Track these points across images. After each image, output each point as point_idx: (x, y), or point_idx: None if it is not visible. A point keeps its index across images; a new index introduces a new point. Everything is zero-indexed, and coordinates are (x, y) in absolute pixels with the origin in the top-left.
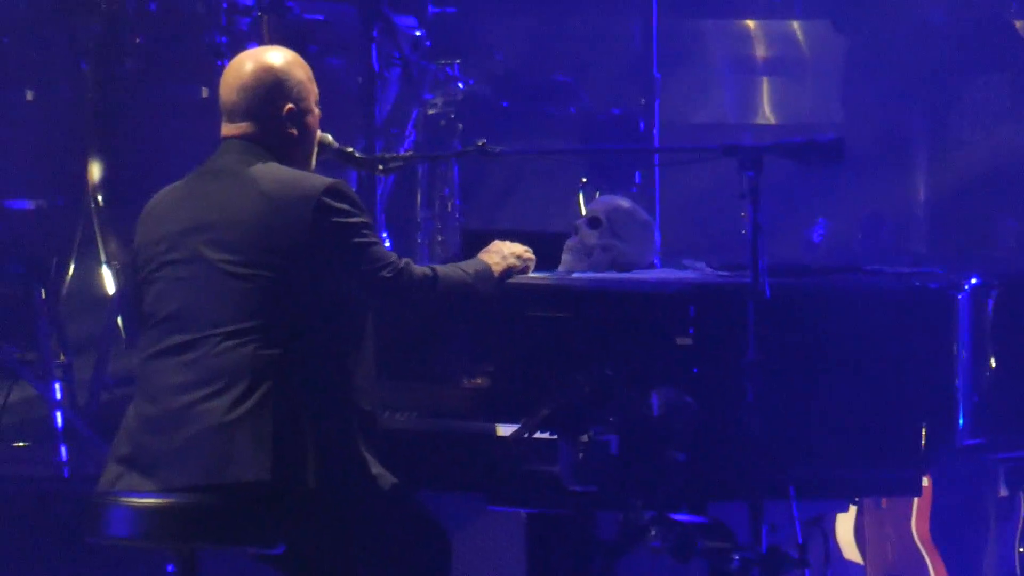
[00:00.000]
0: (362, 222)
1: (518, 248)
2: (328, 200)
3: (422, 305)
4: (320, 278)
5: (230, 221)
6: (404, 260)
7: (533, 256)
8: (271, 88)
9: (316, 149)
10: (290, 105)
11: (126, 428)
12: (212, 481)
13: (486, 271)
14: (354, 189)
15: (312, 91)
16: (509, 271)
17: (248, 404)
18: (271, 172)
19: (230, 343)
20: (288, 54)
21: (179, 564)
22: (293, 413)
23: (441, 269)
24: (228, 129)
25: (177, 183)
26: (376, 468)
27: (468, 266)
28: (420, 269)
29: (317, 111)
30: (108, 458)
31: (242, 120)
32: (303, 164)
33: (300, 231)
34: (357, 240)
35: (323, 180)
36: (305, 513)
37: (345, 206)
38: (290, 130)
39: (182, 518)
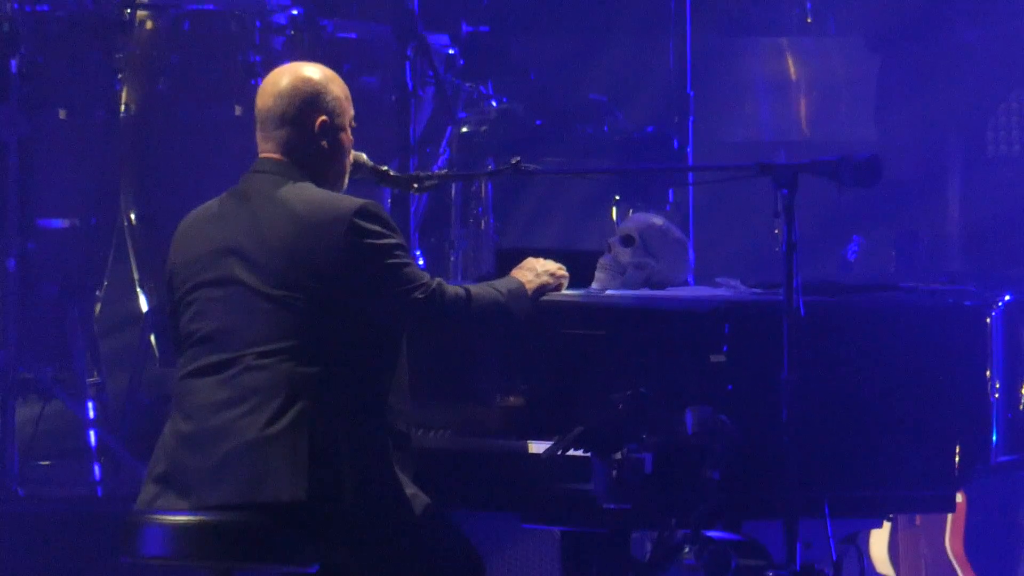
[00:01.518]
0: (395, 243)
1: (551, 266)
2: (360, 222)
3: (456, 325)
4: (354, 299)
5: (263, 243)
6: (436, 280)
7: (566, 273)
8: (306, 98)
9: (349, 169)
10: (324, 118)
11: (163, 446)
12: (247, 499)
13: (519, 289)
14: (388, 207)
15: (347, 110)
16: (543, 289)
17: (283, 422)
18: (303, 193)
19: (266, 361)
20: (327, 71)
21: None
22: (328, 432)
23: (474, 289)
24: (262, 144)
25: (210, 202)
26: (410, 489)
27: (501, 285)
28: (453, 289)
29: (351, 131)
30: (146, 477)
31: (275, 129)
32: (335, 183)
33: (333, 253)
34: (390, 261)
35: (355, 201)
36: (339, 533)
37: (377, 227)
38: (322, 143)
39: (217, 537)
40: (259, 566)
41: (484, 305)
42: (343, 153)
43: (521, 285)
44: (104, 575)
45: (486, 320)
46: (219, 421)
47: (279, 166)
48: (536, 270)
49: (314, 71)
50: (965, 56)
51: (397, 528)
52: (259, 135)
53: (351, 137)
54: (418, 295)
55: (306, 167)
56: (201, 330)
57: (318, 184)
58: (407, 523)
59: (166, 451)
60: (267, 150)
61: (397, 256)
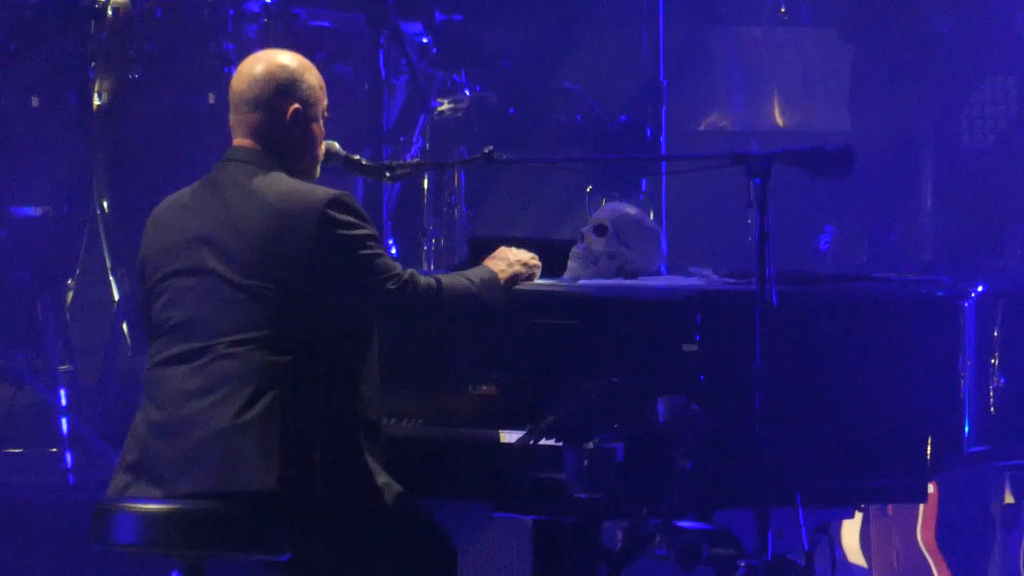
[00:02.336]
0: (367, 234)
1: (524, 255)
2: (332, 212)
3: (428, 316)
4: (326, 289)
5: (235, 234)
6: (409, 271)
7: (539, 263)
8: (280, 85)
9: (321, 159)
10: (297, 105)
11: (134, 435)
12: (218, 488)
13: (492, 279)
14: (360, 196)
15: (321, 100)
16: (516, 278)
17: (254, 411)
18: (275, 183)
19: (237, 350)
20: (302, 60)
21: (185, 571)
22: (299, 422)
23: (446, 279)
24: (235, 129)
25: (183, 191)
26: (382, 478)
27: (474, 274)
28: (425, 279)
29: (323, 121)
30: (117, 466)
31: (248, 112)
32: (307, 173)
33: (305, 244)
34: (362, 252)
35: (327, 192)
36: (311, 522)
37: (349, 218)
38: (294, 131)
39: (188, 525)
40: (230, 554)
41: (456, 295)
42: (315, 143)
43: (494, 274)
44: (76, 563)
45: (458, 310)
46: (190, 410)
47: (251, 154)
48: (509, 259)
49: (290, 59)
50: (938, 46)
51: (368, 517)
52: (232, 119)
53: (323, 128)
54: (390, 285)
55: (278, 155)
56: (172, 319)
57: (290, 173)
58: (378, 512)
59: (137, 440)
60: (239, 135)
61: (369, 247)
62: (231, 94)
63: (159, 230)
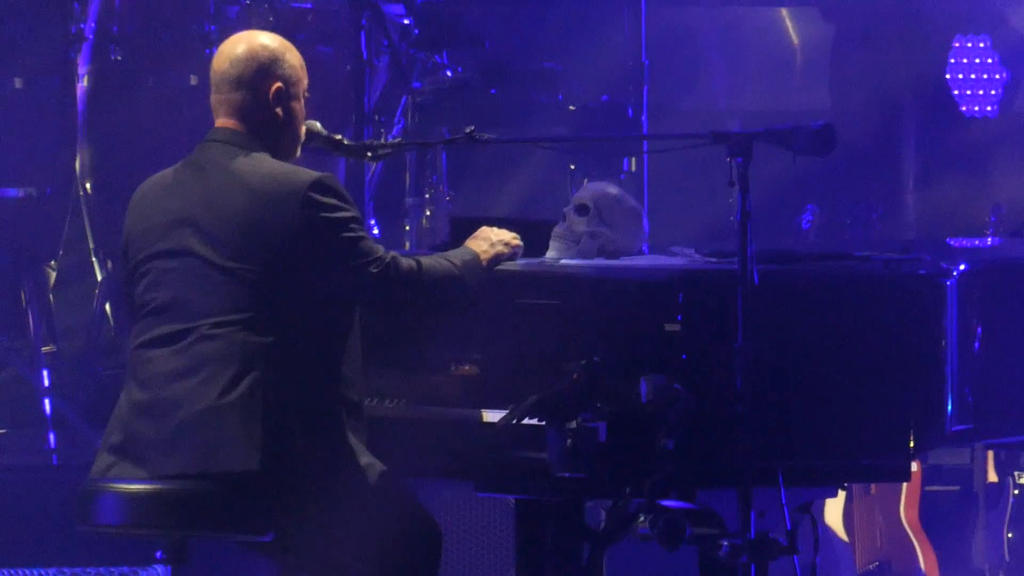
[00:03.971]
0: (350, 216)
1: (505, 235)
2: (315, 195)
3: (410, 298)
4: (308, 271)
5: (217, 215)
6: (391, 254)
7: (521, 243)
8: (262, 64)
9: (302, 139)
10: (279, 84)
11: (118, 416)
12: (201, 469)
13: (474, 260)
14: (343, 177)
15: (302, 79)
16: (497, 258)
17: (237, 392)
18: (258, 165)
19: (219, 331)
20: (283, 41)
21: (168, 551)
22: (281, 402)
23: (427, 260)
24: (216, 109)
25: (166, 172)
26: (365, 458)
27: (455, 256)
28: (407, 262)
29: (303, 100)
30: (100, 447)
31: (230, 92)
32: (289, 153)
33: (287, 225)
34: (344, 235)
35: (310, 174)
36: (294, 502)
37: (332, 200)
38: (276, 110)
39: (171, 505)
40: (213, 535)
41: (438, 277)
42: (296, 122)
43: (475, 255)
44: (59, 544)
45: (440, 292)
46: (173, 391)
47: (233, 135)
48: (491, 239)
49: (270, 39)
50: (920, 25)
51: (352, 497)
52: (213, 99)
53: (304, 107)
54: (372, 268)
55: (260, 135)
56: (155, 300)
57: (272, 153)
58: (362, 492)
59: (121, 420)
60: (221, 115)
61: (352, 229)
62: (212, 75)
63: (141, 211)
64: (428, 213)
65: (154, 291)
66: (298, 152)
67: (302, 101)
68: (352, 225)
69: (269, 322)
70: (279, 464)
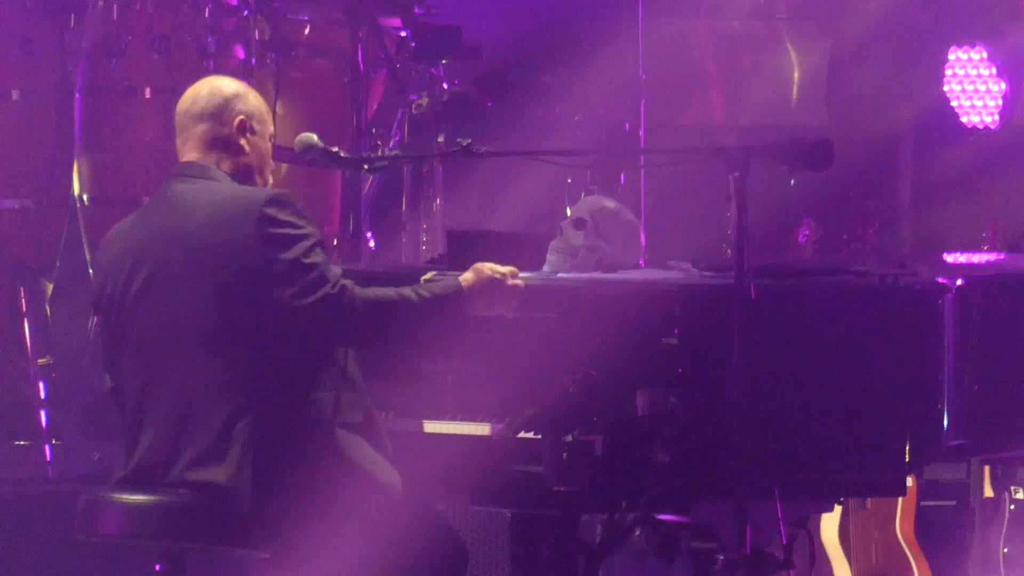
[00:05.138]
0: (304, 234)
1: (499, 270)
2: (270, 210)
3: (354, 338)
4: (267, 289)
5: (180, 244)
6: (344, 283)
7: (518, 282)
8: (226, 97)
9: (268, 177)
10: (243, 116)
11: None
12: (198, 488)
13: (454, 295)
14: (339, 189)
15: (267, 121)
16: (487, 293)
17: (226, 423)
18: (219, 189)
19: (195, 363)
20: (246, 86)
21: (167, 564)
22: (269, 424)
23: (386, 297)
24: (181, 149)
25: (127, 219)
26: (377, 473)
27: (428, 289)
28: (362, 295)
29: (270, 144)
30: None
31: (194, 126)
32: (256, 183)
33: (245, 241)
34: (296, 249)
35: (268, 191)
36: (294, 518)
37: (288, 217)
38: (241, 141)
39: (171, 517)
40: (212, 548)
41: (388, 316)
42: (262, 158)
43: (459, 291)
44: (55, 556)
45: (390, 331)
46: (165, 436)
47: (196, 168)
48: (483, 273)
49: (233, 81)
50: (916, 39)
51: (361, 514)
52: (178, 141)
53: (270, 149)
54: (317, 294)
55: (226, 166)
56: (130, 339)
57: (240, 183)
58: (372, 508)
59: (124, 456)
60: (185, 152)
61: (304, 248)
62: (177, 118)
63: (107, 255)
64: (424, 226)
65: (128, 330)
66: (269, 182)
67: (268, 143)
68: (304, 244)
69: (242, 345)
70: (273, 482)
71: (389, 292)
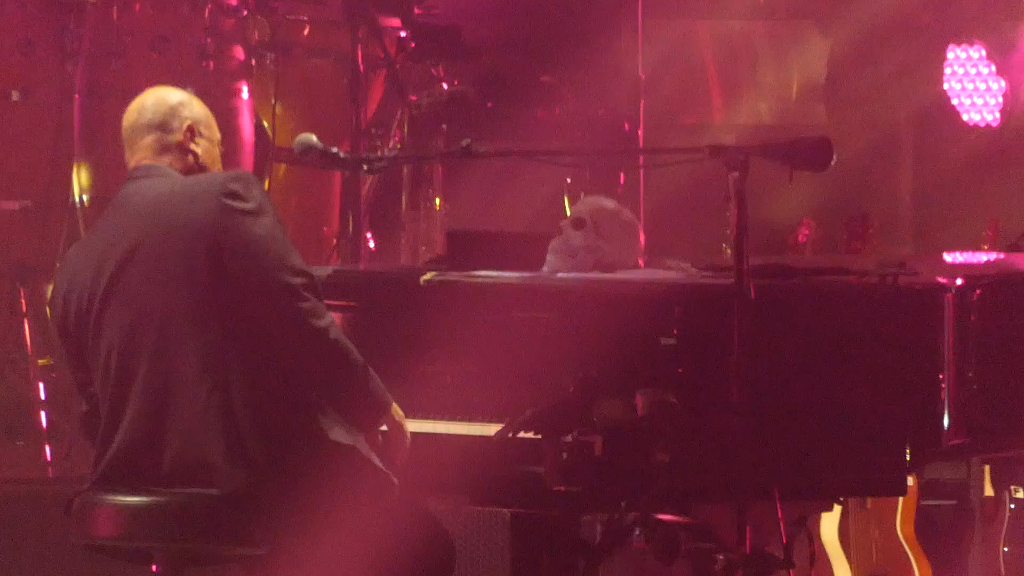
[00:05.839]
0: (269, 213)
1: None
2: (232, 185)
3: (309, 340)
4: (235, 274)
5: (137, 237)
6: (313, 275)
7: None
8: (172, 106)
9: None
10: (190, 122)
11: (107, 444)
12: (192, 484)
13: (383, 400)
14: (338, 189)
15: (214, 128)
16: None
17: (211, 407)
18: (176, 180)
19: (179, 358)
20: (190, 94)
21: (164, 566)
22: (257, 414)
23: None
24: (131, 161)
25: (78, 241)
26: (381, 473)
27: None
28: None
29: (219, 149)
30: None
31: (142, 137)
32: None
33: (206, 222)
34: (259, 230)
35: (228, 172)
36: (289, 516)
37: (252, 193)
38: (192, 146)
39: (167, 518)
40: (209, 547)
41: (344, 344)
42: (215, 162)
43: (389, 404)
44: (54, 557)
45: (335, 359)
46: (155, 428)
47: (147, 169)
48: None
49: (176, 91)
50: (915, 37)
51: (355, 511)
52: (127, 155)
53: (219, 155)
54: (287, 278)
55: (178, 166)
56: (103, 345)
57: None
58: (367, 506)
59: (111, 452)
60: (135, 161)
61: (267, 227)
62: (124, 132)
63: (64, 279)
64: (424, 227)
65: (107, 335)
66: None
67: (217, 148)
68: (266, 221)
69: (228, 331)
70: (265, 479)
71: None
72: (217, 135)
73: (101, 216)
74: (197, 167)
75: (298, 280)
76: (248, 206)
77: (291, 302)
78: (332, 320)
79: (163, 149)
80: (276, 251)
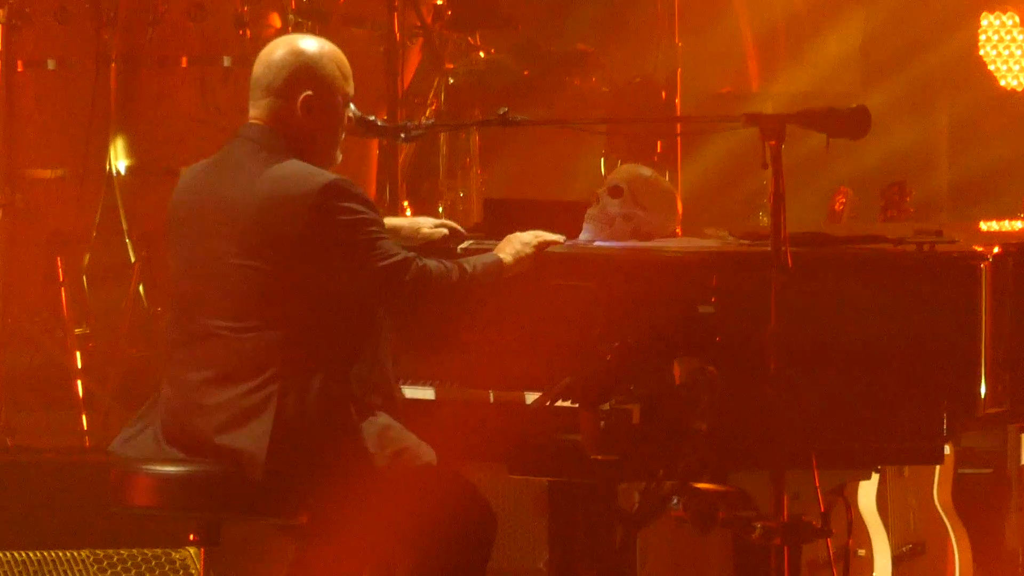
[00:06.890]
0: (365, 219)
1: (529, 238)
2: (327, 198)
3: (426, 301)
4: (319, 273)
5: (234, 215)
6: (412, 254)
7: (552, 236)
8: (294, 71)
9: (338, 146)
10: (308, 92)
11: (157, 405)
12: (232, 447)
13: (495, 267)
14: (375, 158)
15: (341, 88)
16: (525, 261)
17: (255, 390)
18: (279, 168)
19: (235, 330)
20: (327, 46)
21: (200, 533)
22: (297, 399)
23: (442, 268)
24: (251, 110)
25: (201, 163)
26: (407, 443)
27: (477, 261)
28: (426, 266)
29: (344, 110)
30: (134, 423)
31: (261, 98)
32: (322, 157)
33: (298, 228)
34: (359, 237)
35: (326, 177)
36: (325, 487)
37: (347, 203)
38: (303, 117)
39: (203, 488)
40: (245, 517)
41: (454, 283)
42: (328, 130)
43: (498, 263)
44: (91, 525)
45: (456, 298)
46: (199, 398)
47: (261, 132)
48: (515, 246)
49: (311, 44)
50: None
51: (391, 482)
52: (250, 101)
53: (343, 114)
54: (389, 269)
55: (288, 138)
56: (182, 293)
57: (302, 157)
58: (404, 476)
59: (160, 411)
60: (253, 116)
61: (366, 232)
62: (252, 76)
63: (177, 198)
64: (461, 195)
65: (181, 282)
66: (335, 158)
67: (340, 108)
68: (366, 228)
69: (281, 320)
70: (304, 452)
71: (449, 266)
72: (340, 95)
73: (210, 161)
74: (307, 137)
75: (395, 269)
76: (342, 218)
77: (401, 290)
78: (436, 281)
79: (277, 116)
80: (375, 250)
